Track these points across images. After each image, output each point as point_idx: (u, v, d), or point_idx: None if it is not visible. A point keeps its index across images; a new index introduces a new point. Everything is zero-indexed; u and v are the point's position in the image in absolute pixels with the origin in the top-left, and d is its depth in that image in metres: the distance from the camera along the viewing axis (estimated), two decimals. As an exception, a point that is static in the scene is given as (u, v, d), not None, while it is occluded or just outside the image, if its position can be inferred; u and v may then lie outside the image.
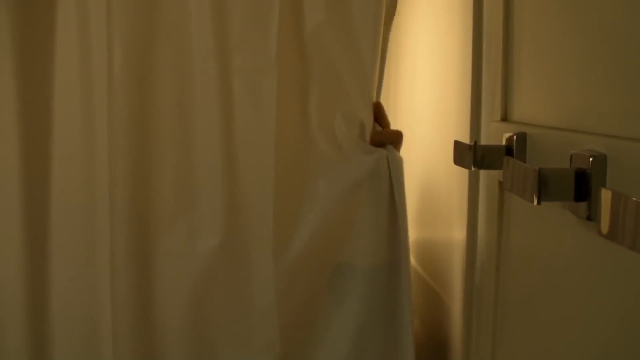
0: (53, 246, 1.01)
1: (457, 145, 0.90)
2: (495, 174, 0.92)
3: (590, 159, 0.59)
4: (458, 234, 1.11)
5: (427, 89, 1.55)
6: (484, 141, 0.97)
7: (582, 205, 0.61)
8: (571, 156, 0.63)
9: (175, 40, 1.00)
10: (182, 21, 0.99)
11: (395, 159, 1.11)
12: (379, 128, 1.15)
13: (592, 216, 0.60)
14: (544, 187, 0.61)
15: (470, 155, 0.85)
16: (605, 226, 0.48)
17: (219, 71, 1.00)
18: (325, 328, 1.08)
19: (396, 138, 1.17)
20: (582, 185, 0.60)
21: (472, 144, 0.85)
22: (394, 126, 1.24)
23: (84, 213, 1.00)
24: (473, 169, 0.86)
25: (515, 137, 0.81)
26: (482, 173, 0.99)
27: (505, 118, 0.91)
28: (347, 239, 1.08)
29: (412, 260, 1.68)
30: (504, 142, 0.84)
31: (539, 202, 0.62)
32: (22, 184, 0.99)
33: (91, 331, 1.00)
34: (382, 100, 1.22)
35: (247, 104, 1.01)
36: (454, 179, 1.17)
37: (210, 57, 0.99)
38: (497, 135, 0.90)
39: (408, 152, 1.83)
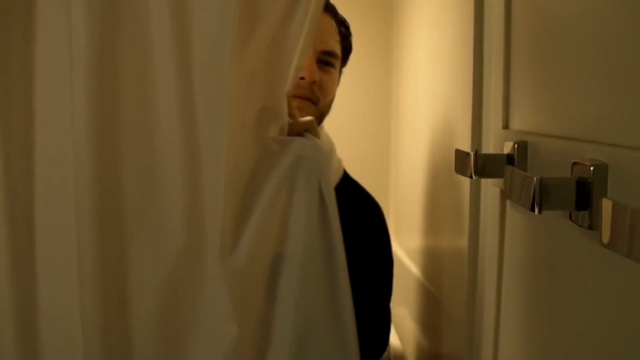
0: (38, 253, 1.00)
1: (458, 153, 0.90)
2: (497, 182, 0.92)
3: (592, 168, 0.59)
4: (460, 242, 1.11)
5: (428, 97, 1.56)
6: (485, 149, 0.98)
7: (583, 214, 0.61)
8: (572, 165, 0.63)
9: (136, 40, 0.99)
10: (142, 22, 0.98)
11: (315, 144, 1.10)
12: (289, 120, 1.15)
13: (593, 225, 0.60)
14: (545, 196, 0.61)
15: (471, 163, 0.85)
16: (606, 236, 0.48)
17: (179, 69, 0.99)
18: (270, 323, 1.07)
19: (310, 125, 1.17)
20: (583, 194, 0.60)
21: (473, 152, 0.85)
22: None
23: (57, 220, 1.00)
24: (474, 177, 0.86)
25: (516, 145, 0.81)
26: (484, 181, 0.99)
27: (506, 126, 0.91)
28: (283, 232, 1.08)
29: (415, 269, 1.68)
30: (505, 151, 0.84)
31: (540, 211, 0.62)
32: (5, 186, 0.98)
33: (65, 339, 1.00)
34: (384, 109, 1.22)
35: (206, 102, 1.00)
36: (456, 188, 1.17)
37: (170, 55, 0.98)
38: (498, 143, 0.90)
39: (410, 160, 1.83)
